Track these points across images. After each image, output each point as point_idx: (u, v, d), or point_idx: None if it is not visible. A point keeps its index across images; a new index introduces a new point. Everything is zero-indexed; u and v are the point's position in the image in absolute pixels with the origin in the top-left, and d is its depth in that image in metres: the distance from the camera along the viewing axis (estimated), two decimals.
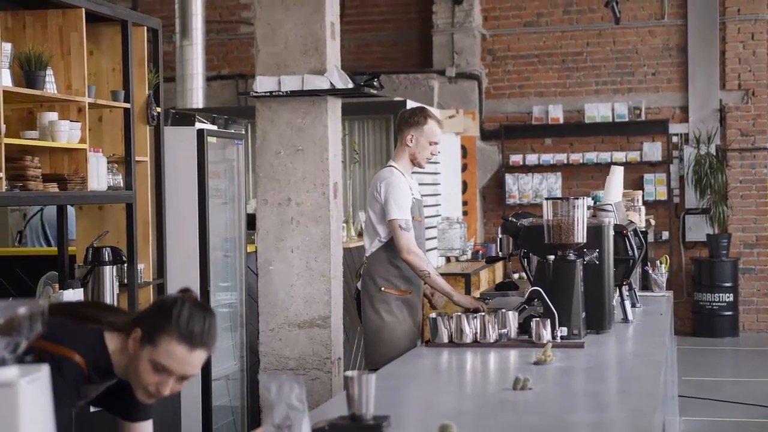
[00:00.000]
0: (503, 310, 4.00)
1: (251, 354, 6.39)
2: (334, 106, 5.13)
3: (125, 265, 5.31)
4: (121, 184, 5.29)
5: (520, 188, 11.83)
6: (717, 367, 9.96)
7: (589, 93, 11.90)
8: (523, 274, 4.96)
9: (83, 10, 4.96)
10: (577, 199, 4.09)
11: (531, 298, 4.07)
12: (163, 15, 10.77)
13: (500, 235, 4.87)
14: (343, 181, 5.44)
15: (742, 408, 7.74)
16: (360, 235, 8.13)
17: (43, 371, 1.56)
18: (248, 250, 6.45)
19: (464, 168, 11.25)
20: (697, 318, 11.32)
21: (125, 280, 5.33)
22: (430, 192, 9.27)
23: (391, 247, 4.84)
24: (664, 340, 4.19)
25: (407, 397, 3.18)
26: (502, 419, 2.83)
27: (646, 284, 6.00)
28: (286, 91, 4.97)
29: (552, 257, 4.05)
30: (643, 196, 10.56)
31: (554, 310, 3.93)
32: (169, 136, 5.82)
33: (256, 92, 5.01)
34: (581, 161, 11.69)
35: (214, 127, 6.31)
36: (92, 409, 4.29)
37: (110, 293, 5.16)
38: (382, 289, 4.86)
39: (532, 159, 11.79)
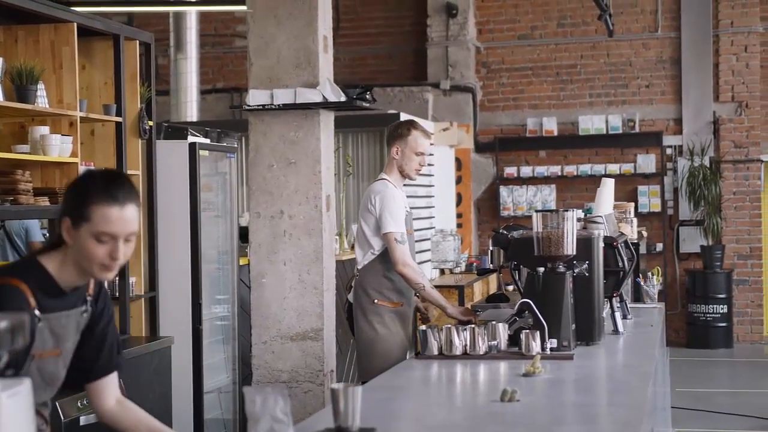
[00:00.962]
0: (493, 322, 4.01)
1: (244, 367, 6.39)
2: (327, 119, 5.15)
3: (117, 278, 5.31)
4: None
5: (514, 200, 11.84)
6: (711, 378, 9.96)
7: (583, 105, 11.94)
8: (515, 287, 4.97)
9: (75, 24, 4.98)
10: (567, 211, 4.10)
11: (521, 310, 4.08)
12: (158, 29, 10.81)
13: (491, 248, 4.89)
14: (336, 194, 5.45)
15: (736, 419, 7.74)
16: (353, 247, 8.14)
17: (25, 384, 1.57)
18: (241, 263, 6.46)
19: (459, 180, 11.27)
20: (692, 329, 11.33)
21: (117, 294, 5.33)
22: (423, 204, 9.29)
23: (384, 259, 4.86)
24: (654, 351, 4.20)
25: (396, 410, 3.18)
26: (490, 431, 2.83)
27: (638, 296, 6.01)
28: (279, 105, 4.98)
29: (542, 269, 4.05)
30: (636, 207, 10.63)
31: (544, 322, 3.93)
32: (161, 149, 5.84)
33: (249, 105, 5.02)
34: (575, 173, 11.71)
35: (207, 141, 6.33)
36: (83, 422, 4.30)
37: None
38: (375, 301, 4.87)
39: (526, 171, 11.82)
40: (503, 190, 11.87)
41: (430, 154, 9.31)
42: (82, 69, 5.20)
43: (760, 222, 11.59)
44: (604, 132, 11.71)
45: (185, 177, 5.90)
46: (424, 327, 4.03)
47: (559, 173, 11.75)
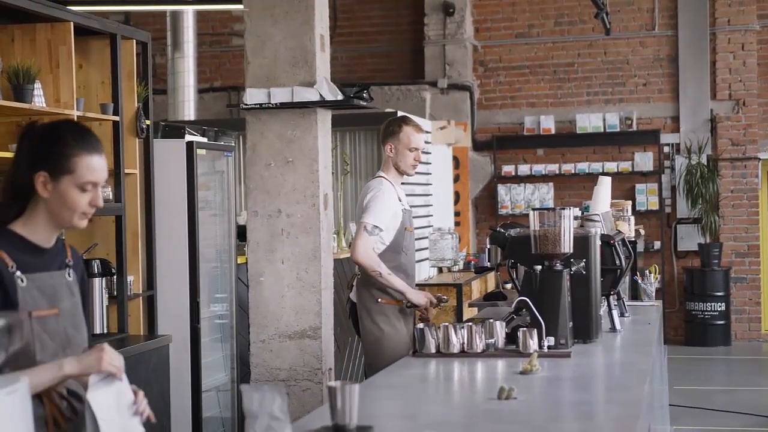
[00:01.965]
0: (491, 320, 4.01)
1: (242, 365, 6.39)
2: (324, 117, 5.15)
3: (114, 277, 5.32)
4: (111, 197, 5.30)
5: (512, 198, 11.85)
6: (709, 376, 9.97)
7: (580, 103, 11.94)
8: (513, 285, 4.98)
9: (72, 23, 4.98)
10: (564, 209, 4.10)
11: (518, 308, 4.08)
12: (156, 28, 10.82)
13: (489, 246, 4.89)
14: (333, 193, 5.45)
15: (734, 417, 7.75)
16: (351, 246, 8.14)
17: (22, 382, 1.57)
18: (239, 262, 6.46)
19: (456, 179, 11.28)
20: (689, 327, 11.34)
21: (115, 292, 5.33)
22: (421, 203, 9.29)
23: (385, 257, 4.87)
24: (651, 349, 4.20)
25: (393, 407, 3.19)
26: (487, 429, 2.84)
27: (636, 294, 6.02)
28: (276, 103, 4.98)
29: (539, 267, 4.06)
30: (634, 205, 10.64)
31: (541, 320, 3.94)
32: (158, 148, 5.84)
33: (246, 104, 5.03)
34: (573, 171, 11.71)
35: (204, 140, 6.33)
36: None
37: (99, 305, 5.17)
38: (379, 300, 4.88)
39: (524, 169, 11.82)
40: (501, 189, 11.87)
41: (427, 152, 9.32)
42: (79, 68, 5.20)
43: (757, 220, 11.60)
44: (602, 130, 11.72)
45: (183, 176, 5.90)
46: (421, 325, 4.04)
47: (557, 171, 11.75)
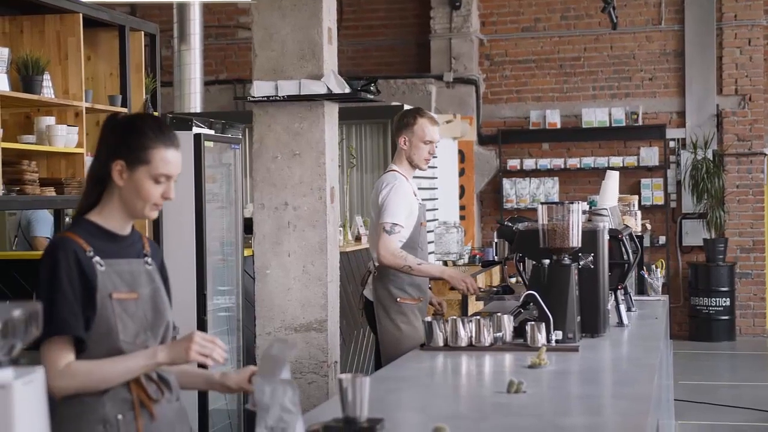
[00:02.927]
0: (499, 314, 4.01)
1: (248, 358, 6.39)
2: (331, 110, 5.14)
3: None
4: None
5: (517, 193, 11.85)
6: (713, 371, 9.98)
7: (586, 98, 11.93)
8: (520, 278, 4.98)
9: (81, 15, 4.98)
10: (572, 203, 4.10)
11: (526, 302, 4.08)
12: (162, 20, 10.80)
13: (496, 240, 4.88)
14: (339, 186, 5.45)
15: (739, 412, 7.76)
16: (357, 239, 8.14)
17: (38, 373, 1.58)
18: (245, 254, 6.46)
19: (462, 172, 11.27)
20: (694, 322, 11.34)
21: None
22: (427, 196, 9.29)
23: None
24: (659, 344, 4.20)
25: (402, 400, 3.19)
26: (496, 422, 2.84)
27: (642, 288, 6.01)
28: (283, 96, 4.98)
29: (547, 261, 4.06)
30: (640, 200, 10.63)
31: (549, 314, 3.94)
32: None
33: (253, 97, 5.02)
34: (578, 166, 11.71)
35: (212, 132, 6.33)
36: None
37: None
38: (398, 299, 4.82)
39: (529, 164, 11.82)
40: (506, 183, 11.87)
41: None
42: (87, 60, 5.20)
43: (762, 215, 11.59)
44: (608, 125, 11.71)
45: (190, 168, 5.89)
46: (429, 318, 4.03)
47: (562, 166, 11.75)
